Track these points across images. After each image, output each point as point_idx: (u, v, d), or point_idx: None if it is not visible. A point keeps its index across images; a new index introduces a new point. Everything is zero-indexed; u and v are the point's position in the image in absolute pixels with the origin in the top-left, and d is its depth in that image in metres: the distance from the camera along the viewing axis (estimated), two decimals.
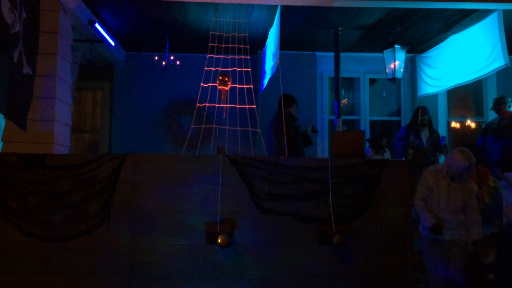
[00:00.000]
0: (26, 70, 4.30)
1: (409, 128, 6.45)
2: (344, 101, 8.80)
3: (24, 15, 4.31)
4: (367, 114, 8.64)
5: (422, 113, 6.44)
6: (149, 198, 4.11)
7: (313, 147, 7.98)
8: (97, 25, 6.50)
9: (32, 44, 4.53)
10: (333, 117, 7.82)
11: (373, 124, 8.69)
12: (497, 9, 5.90)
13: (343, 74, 7.53)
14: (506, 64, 5.83)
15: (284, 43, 6.04)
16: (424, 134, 6.34)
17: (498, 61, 5.96)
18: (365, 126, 8.55)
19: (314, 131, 6.41)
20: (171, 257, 4.06)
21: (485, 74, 6.43)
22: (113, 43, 7.29)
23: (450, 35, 7.18)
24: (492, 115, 6.96)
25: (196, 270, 4.06)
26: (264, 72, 7.36)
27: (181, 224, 4.09)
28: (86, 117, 8.47)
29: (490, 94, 8.10)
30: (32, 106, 4.68)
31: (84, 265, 4.01)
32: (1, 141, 5.09)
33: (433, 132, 6.41)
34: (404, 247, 4.19)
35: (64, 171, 4.06)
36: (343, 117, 7.57)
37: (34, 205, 4.01)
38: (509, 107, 6.04)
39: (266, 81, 6.99)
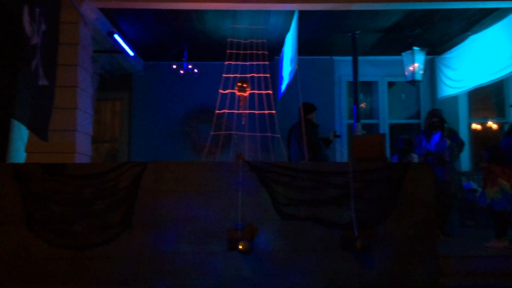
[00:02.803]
0: (42, 81, 4.37)
1: (423, 134, 6.31)
2: (363, 105, 8.72)
3: (43, 27, 4.40)
4: (387, 117, 8.55)
5: (430, 116, 6.24)
6: (170, 205, 4.13)
7: (332, 151, 7.93)
8: (116, 36, 6.59)
9: (51, 56, 4.60)
10: (351, 121, 7.75)
11: (392, 127, 8.58)
12: None
13: (361, 78, 7.46)
14: None
15: (301, 48, 6.01)
16: (435, 138, 6.15)
17: None
18: (384, 129, 8.45)
19: (336, 136, 6.35)
20: (192, 265, 4.06)
21: (506, 74, 6.29)
22: (132, 53, 7.37)
23: (470, 35, 7.06)
24: None
25: (218, 277, 4.05)
26: (282, 78, 7.34)
27: (203, 231, 4.09)
28: (105, 126, 8.57)
29: None
30: (54, 117, 4.75)
31: (107, 273, 4.03)
32: (25, 152, 5.17)
33: (444, 135, 6.13)
34: (428, 251, 4.12)
35: (87, 179, 4.11)
36: (362, 121, 7.49)
37: (57, 214, 4.06)
38: None
39: (284, 86, 6.97)
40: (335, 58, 8.44)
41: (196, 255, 4.07)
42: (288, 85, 6.61)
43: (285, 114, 6.72)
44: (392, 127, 8.59)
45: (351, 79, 7.44)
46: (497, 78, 6.50)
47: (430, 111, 6.48)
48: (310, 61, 8.16)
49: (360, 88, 7.52)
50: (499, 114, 8.48)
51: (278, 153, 6.23)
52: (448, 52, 7.87)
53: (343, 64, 8.35)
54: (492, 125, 8.39)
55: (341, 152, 8.31)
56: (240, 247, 3.88)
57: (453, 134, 6.19)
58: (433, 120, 6.17)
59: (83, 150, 5.37)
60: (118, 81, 8.44)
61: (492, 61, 6.49)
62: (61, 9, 5.15)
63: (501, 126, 8.32)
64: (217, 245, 4.07)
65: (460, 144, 6.21)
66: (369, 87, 8.80)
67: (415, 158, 5.99)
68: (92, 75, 6.07)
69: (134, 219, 4.08)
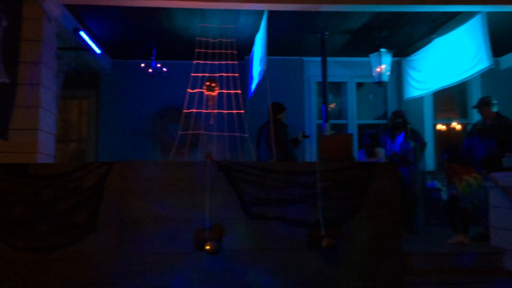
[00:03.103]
0: (3, 79, 4.23)
1: (387, 134, 6.45)
2: (332, 105, 8.82)
3: (4, 23, 4.26)
4: (355, 118, 8.67)
5: (394, 117, 6.42)
6: (137, 206, 4.06)
7: (302, 151, 7.98)
8: (82, 33, 6.43)
9: (12, 53, 4.45)
10: (321, 121, 7.82)
11: (361, 127, 8.71)
12: (481, 11, 5.96)
13: (330, 79, 7.54)
14: (490, 65, 5.87)
15: (271, 49, 6.04)
16: (399, 139, 6.31)
17: (482, 63, 6.01)
18: (353, 129, 8.57)
19: (305, 136, 6.39)
20: (160, 265, 4.00)
21: (470, 76, 6.46)
22: (98, 51, 7.22)
23: (434, 38, 7.23)
24: (477, 117, 7.02)
25: (186, 277, 4.01)
26: (252, 77, 7.35)
27: (170, 231, 4.05)
28: (72, 126, 8.36)
29: (475, 96, 8.16)
30: (15, 115, 4.61)
31: (72, 276, 3.94)
32: None
33: (407, 136, 6.31)
34: (393, 249, 4.20)
35: (49, 180, 3.99)
36: (331, 121, 7.57)
37: (19, 215, 3.93)
38: (491, 106, 6.02)
39: (253, 86, 6.98)
40: (305, 58, 8.50)
41: (163, 255, 4.02)
42: (257, 85, 6.62)
43: (254, 114, 6.73)
44: (360, 127, 8.71)
45: (320, 79, 7.51)
46: (461, 80, 6.68)
47: (394, 112, 6.64)
48: (280, 61, 8.20)
49: (329, 88, 7.60)
50: (462, 115, 8.75)
51: (247, 153, 6.23)
52: (414, 54, 8.05)
53: (312, 65, 8.42)
54: (456, 126, 8.64)
55: (310, 152, 8.37)
56: (207, 247, 3.86)
57: (416, 135, 6.38)
58: (397, 121, 6.35)
59: (46, 150, 5.21)
60: (85, 79, 8.24)
61: (456, 63, 6.66)
62: (23, 5, 4.99)
63: (464, 127, 8.57)
64: (185, 245, 4.03)
65: (423, 145, 6.41)
66: (338, 87, 8.90)
67: (381, 152, 6.10)
68: (57, 73, 5.90)
69: (99, 219, 4.00)
